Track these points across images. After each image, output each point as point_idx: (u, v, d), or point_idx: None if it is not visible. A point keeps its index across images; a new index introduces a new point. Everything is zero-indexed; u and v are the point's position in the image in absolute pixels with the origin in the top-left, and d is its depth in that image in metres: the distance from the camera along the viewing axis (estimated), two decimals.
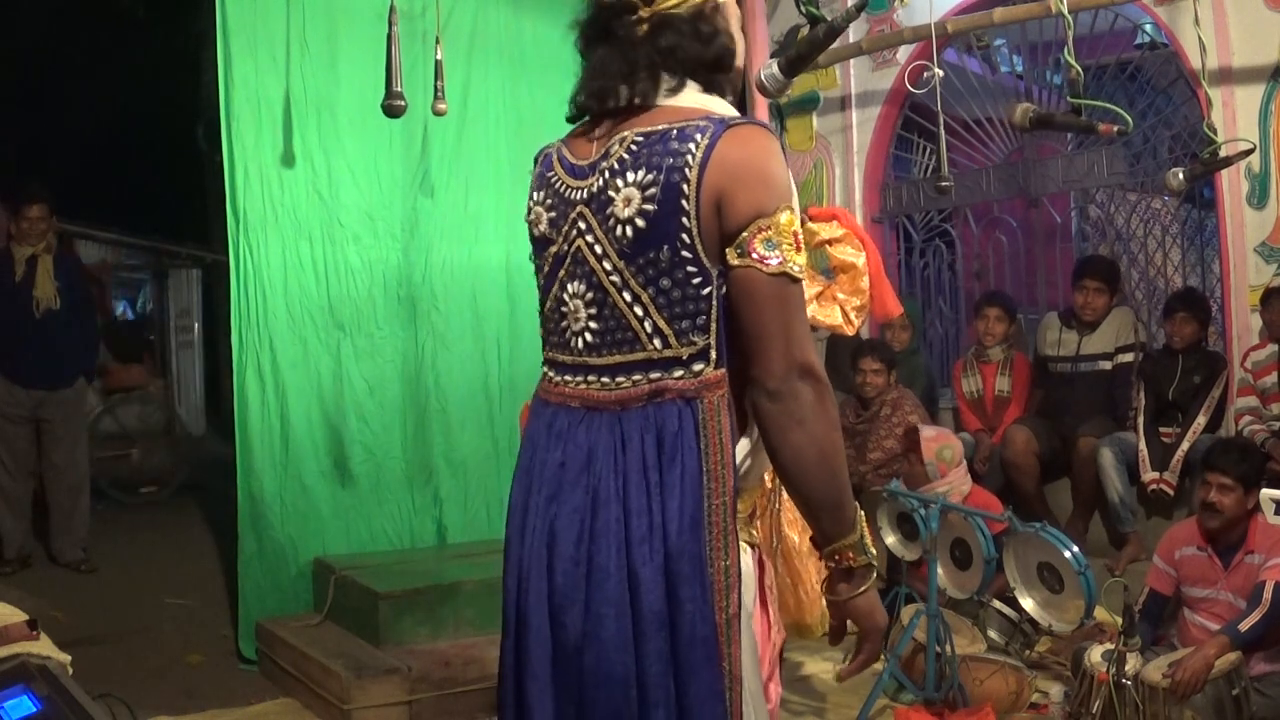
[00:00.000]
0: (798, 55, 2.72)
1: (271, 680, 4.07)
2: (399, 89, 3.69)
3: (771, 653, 1.75)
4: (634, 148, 1.55)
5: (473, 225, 4.92)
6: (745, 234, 1.49)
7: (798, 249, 1.51)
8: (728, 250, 1.50)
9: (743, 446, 1.58)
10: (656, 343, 1.54)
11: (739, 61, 1.71)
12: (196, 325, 12.63)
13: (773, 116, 6.07)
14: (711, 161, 1.49)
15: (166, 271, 12.60)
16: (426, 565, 4.36)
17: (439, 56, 3.97)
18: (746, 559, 1.60)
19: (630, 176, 1.53)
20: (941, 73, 4.17)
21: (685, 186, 1.49)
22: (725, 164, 1.49)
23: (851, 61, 6.14)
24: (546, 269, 1.68)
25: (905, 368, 5.49)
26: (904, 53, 6.01)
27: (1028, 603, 3.52)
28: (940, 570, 3.60)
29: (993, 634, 4.03)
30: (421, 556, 4.56)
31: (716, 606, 1.50)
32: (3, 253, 5.27)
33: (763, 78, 2.74)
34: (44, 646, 2.39)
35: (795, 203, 1.56)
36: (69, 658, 2.42)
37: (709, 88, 1.61)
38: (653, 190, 1.51)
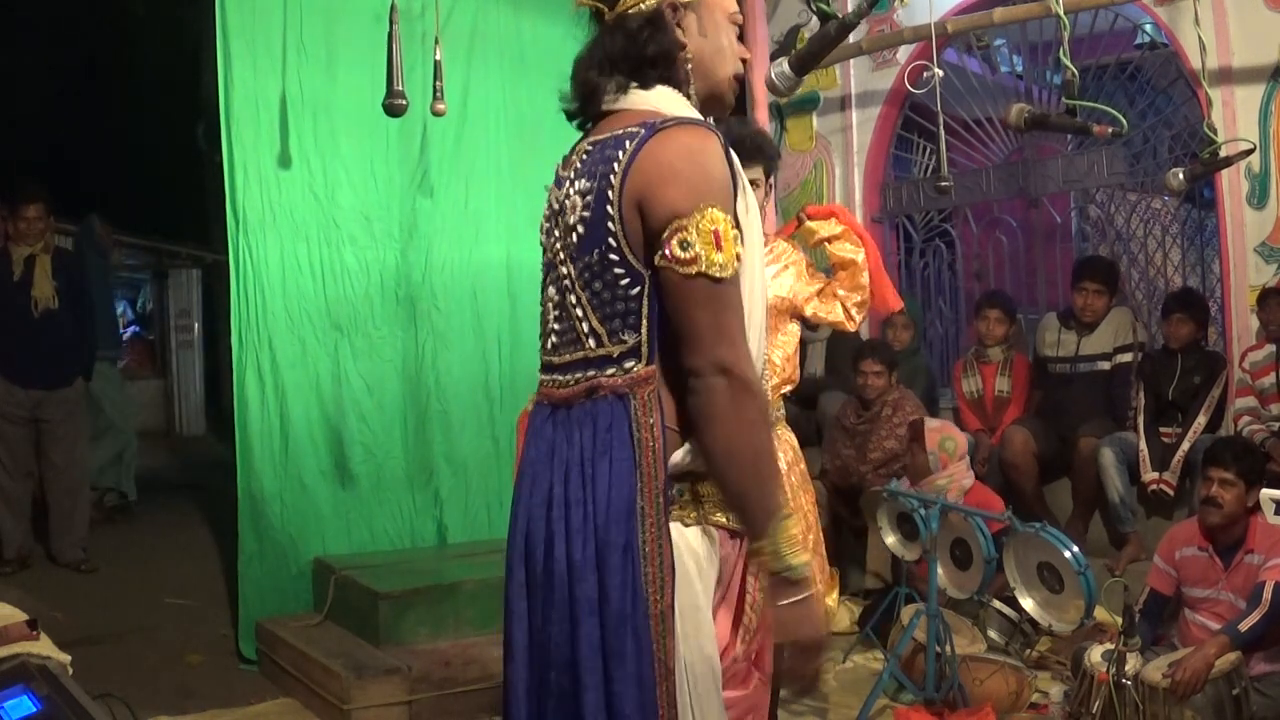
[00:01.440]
0: (809, 53, 2.71)
1: (271, 680, 4.07)
2: (400, 88, 3.69)
3: (747, 642, 1.73)
4: (585, 157, 1.65)
5: (473, 225, 4.93)
6: (664, 235, 1.53)
7: (718, 247, 1.51)
8: (654, 253, 1.55)
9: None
10: (592, 342, 1.62)
11: (717, 59, 1.71)
12: (196, 325, 12.63)
13: (773, 117, 6.07)
14: (634, 167, 1.55)
15: (166, 271, 12.60)
16: (426, 565, 4.37)
17: (438, 57, 3.97)
18: (696, 543, 1.60)
19: (578, 185, 1.63)
20: (941, 73, 4.16)
21: (610, 192, 1.57)
22: (644, 168, 1.55)
23: (851, 61, 6.14)
24: (541, 276, 1.77)
25: (906, 367, 5.48)
26: (904, 53, 6.01)
27: (1028, 603, 3.52)
28: (940, 570, 3.60)
29: (993, 634, 4.03)
30: (421, 556, 4.56)
31: (651, 599, 1.53)
32: (1, 253, 5.26)
33: (773, 76, 2.74)
34: (44, 646, 2.39)
35: (728, 198, 1.56)
36: (69, 658, 2.42)
37: (647, 83, 1.65)
38: (589, 197, 1.60)
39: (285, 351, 4.44)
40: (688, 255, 1.51)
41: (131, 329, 14.31)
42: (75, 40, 12.50)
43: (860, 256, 3.10)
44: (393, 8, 3.67)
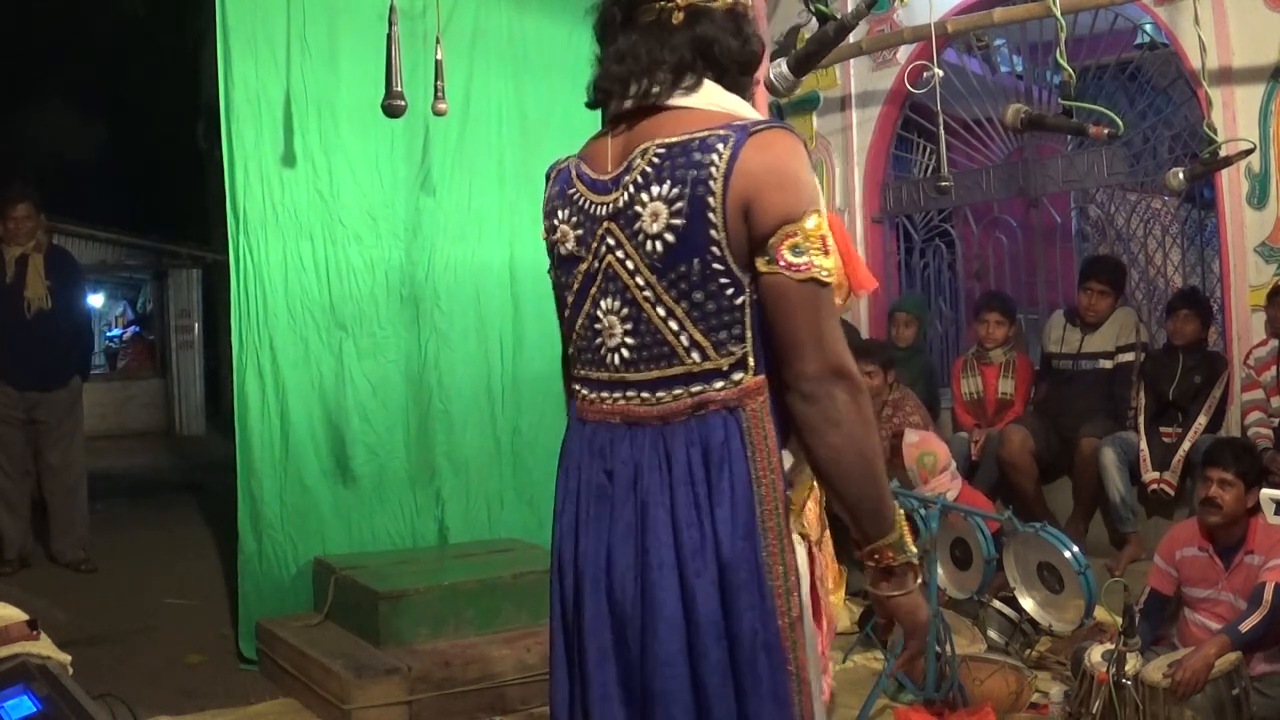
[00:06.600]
0: (807, 53, 2.70)
1: (271, 680, 4.07)
2: (399, 89, 3.68)
3: (823, 646, 1.75)
4: (656, 160, 1.53)
5: (475, 224, 4.92)
6: (773, 240, 1.48)
7: (825, 253, 1.50)
8: (757, 258, 1.50)
9: (792, 445, 1.59)
10: (695, 356, 1.54)
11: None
12: (196, 325, 12.65)
13: (772, 116, 6.07)
14: (736, 170, 1.48)
15: (166, 271, 12.61)
16: (427, 565, 4.36)
17: (439, 56, 3.97)
18: (801, 554, 1.60)
19: (655, 190, 1.52)
20: (941, 73, 4.17)
21: (711, 199, 1.48)
22: (749, 171, 1.48)
23: (851, 61, 6.14)
24: (577, 286, 1.65)
25: (910, 366, 5.47)
26: (904, 53, 6.01)
27: (1028, 603, 3.52)
28: (940, 570, 3.60)
29: (993, 634, 4.03)
30: (422, 556, 4.56)
31: (779, 611, 1.51)
32: None
33: (772, 77, 2.74)
34: (44, 646, 2.38)
35: (822, 204, 1.55)
36: (69, 658, 2.42)
37: (732, 88, 1.60)
38: (680, 204, 1.50)
39: (286, 351, 4.43)
40: (801, 261, 1.48)
41: (131, 329, 14.32)
42: (76, 40, 12.50)
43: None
44: (392, 8, 3.67)
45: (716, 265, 1.50)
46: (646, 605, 1.52)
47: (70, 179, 11.53)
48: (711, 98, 1.57)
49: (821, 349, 1.49)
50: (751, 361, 1.53)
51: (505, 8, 5.01)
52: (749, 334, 1.53)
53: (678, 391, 1.55)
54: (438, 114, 4.03)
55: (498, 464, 4.94)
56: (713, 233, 1.49)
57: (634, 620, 1.53)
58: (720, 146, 1.49)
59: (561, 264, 1.68)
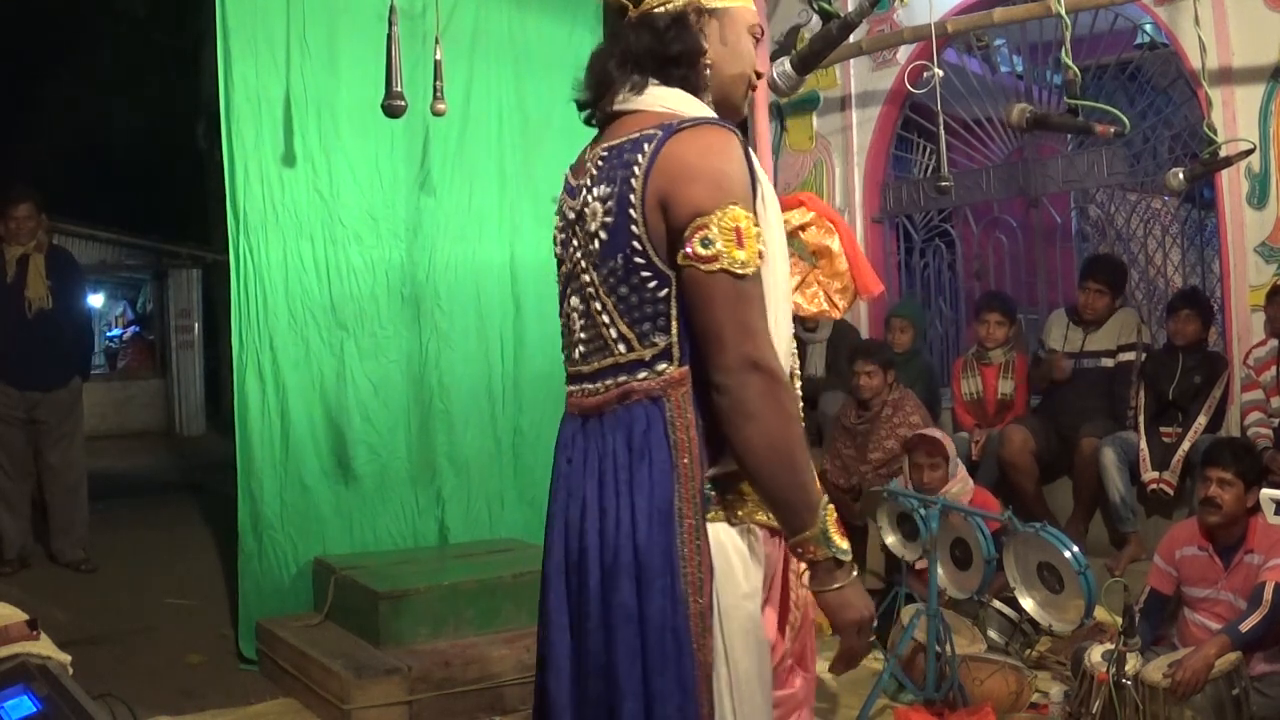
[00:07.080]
0: (812, 52, 2.71)
1: (271, 680, 4.07)
2: (399, 89, 3.69)
3: (793, 640, 1.75)
4: (600, 164, 1.64)
5: (476, 224, 4.92)
6: (686, 233, 1.53)
7: (739, 244, 1.52)
8: (676, 251, 1.55)
9: None
10: (621, 347, 1.62)
11: (735, 68, 1.71)
12: (196, 325, 12.63)
13: (773, 117, 6.07)
14: (654, 168, 1.55)
15: (166, 271, 12.60)
16: (427, 565, 4.36)
17: (438, 56, 3.97)
18: (740, 542, 1.61)
19: (596, 192, 1.63)
20: (941, 73, 4.16)
21: (632, 196, 1.56)
22: (666, 168, 1.55)
23: (851, 61, 6.14)
24: (560, 288, 1.77)
25: (908, 370, 5.47)
26: (904, 53, 6.02)
27: (1028, 603, 3.52)
28: (940, 570, 3.60)
29: (993, 634, 4.03)
30: (422, 556, 4.56)
31: (691, 599, 1.54)
32: None
33: (775, 76, 2.74)
34: (44, 646, 2.38)
35: (758, 195, 1.58)
36: (69, 658, 2.41)
37: (669, 81, 1.65)
38: (610, 203, 1.60)
39: (287, 351, 4.43)
40: (709, 252, 1.51)
41: (131, 329, 14.32)
42: (76, 40, 12.49)
43: (834, 243, 3.06)
44: (392, 8, 3.67)
45: (638, 259, 1.57)
46: (581, 586, 1.61)
47: (70, 179, 11.51)
48: (660, 100, 1.64)
49: (738, 341, 1.52)
50: (676, 353, 1.58)
51: (505, 8, 5.01)
52: (674, 326, 1.58)
53: (608, 382, 1.64)
54: (437, 114, 4.03)
55: (498, 464, 4.95)
56: (634, 228, 1.57)
57: (579, 598, 1.62)
58: (646, 146, 1.57)
59: (557, 266, 1.79)
